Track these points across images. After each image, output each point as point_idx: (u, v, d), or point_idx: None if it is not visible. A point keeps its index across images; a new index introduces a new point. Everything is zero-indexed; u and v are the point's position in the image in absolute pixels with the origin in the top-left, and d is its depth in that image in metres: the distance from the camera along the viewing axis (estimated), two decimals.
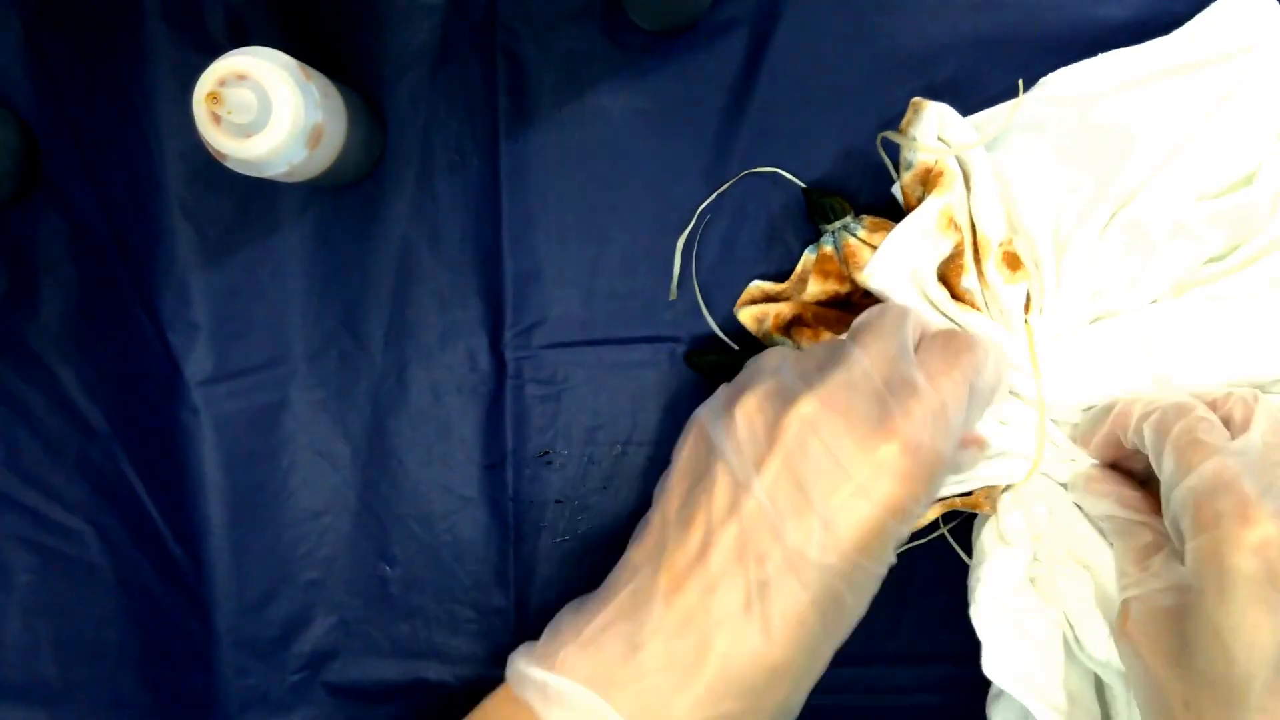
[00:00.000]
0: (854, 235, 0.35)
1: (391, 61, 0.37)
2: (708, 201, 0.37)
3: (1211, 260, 0.34)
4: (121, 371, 0.39)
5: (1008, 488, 0.35)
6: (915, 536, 0.38)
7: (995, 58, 0.36)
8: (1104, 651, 0.33)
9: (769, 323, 0.36)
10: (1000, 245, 0.33)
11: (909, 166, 0.34)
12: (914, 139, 0.33)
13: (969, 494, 0.35)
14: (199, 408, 0.38)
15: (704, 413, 0.30)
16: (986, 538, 0.36)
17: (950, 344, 0.29)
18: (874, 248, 0.34)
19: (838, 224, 0.35)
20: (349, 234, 0.38)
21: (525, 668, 0.28)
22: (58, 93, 0.38)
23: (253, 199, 0.38)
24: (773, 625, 0.26)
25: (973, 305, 0.33)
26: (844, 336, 0.30)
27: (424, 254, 0.38)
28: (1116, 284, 0.33)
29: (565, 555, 0.39)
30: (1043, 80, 0.35)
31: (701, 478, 0.28)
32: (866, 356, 0.28)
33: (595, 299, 0.38)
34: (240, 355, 0.38)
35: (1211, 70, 0.33)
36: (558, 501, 0.39)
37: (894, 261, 0.32)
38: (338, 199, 0.38)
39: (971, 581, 0.36)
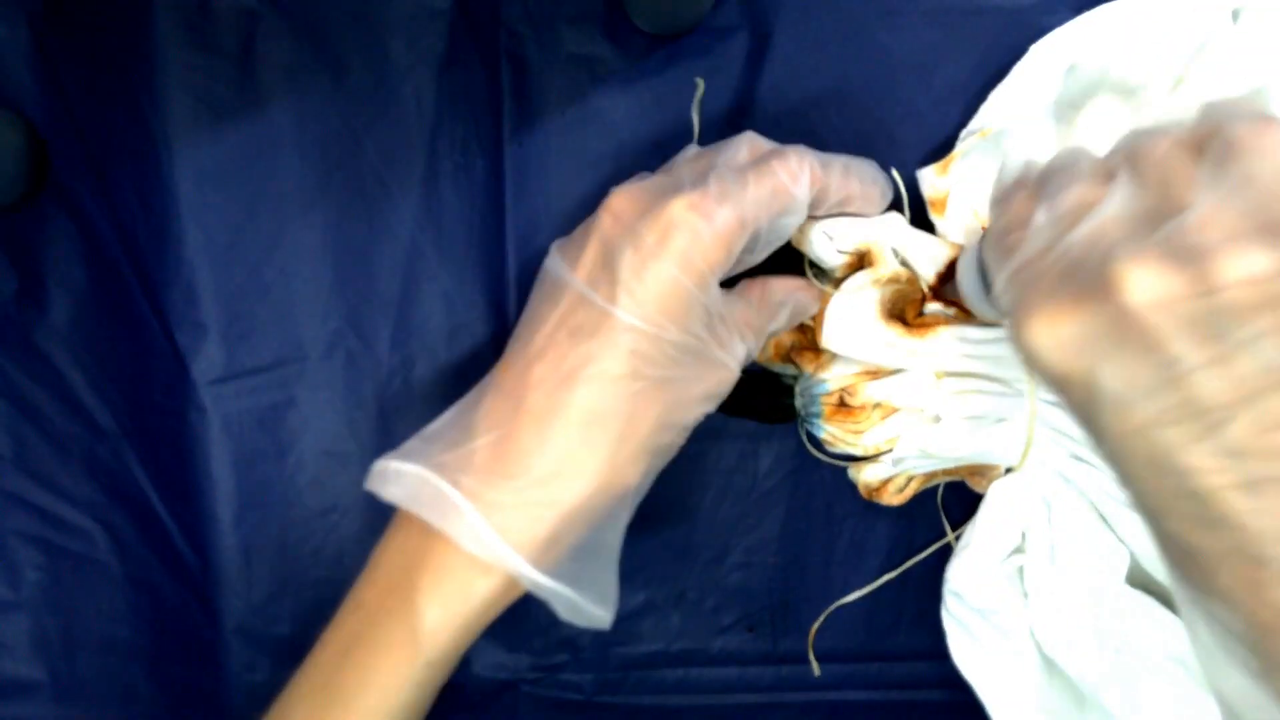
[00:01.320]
0: (834, 274, 0.36)
1: (397, 65, 0.38)
2: None
3: None
4: (129, 371, 0.39)
5: (1008, 471, 0.36)
6: (924, 544, 0.38)
7: (991, 61, 0.37)
8: (1079, 665, 0.34)
9: (770, 351, 0.37)
10: (950, 263, 0.34)
11: (834, 270, 0.35)
12: (813, 253, 0.35)
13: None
14: (207, 407, 0.38)
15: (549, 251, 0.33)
16: (966, 533, 0.36)
17: (766, 157, 0.31)
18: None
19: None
20: (356, 236, 0.38)
21: (375, 464, 0.30)
22: (65, 95, 0.38)
23: (260, 200, 0.38)
24: (582, 384, 0.28)
25: (940, 323, 0.34)
26: None
27: (430, 255, 0.38)
28: None
29: None
30: (1033, 49, 0.35)
31: (537, 296, 0.32)
32: (687, 166, 0.31)
33: None
34: (248, 355, 0.38)
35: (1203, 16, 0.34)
36: None
37: (841, 329, 0.34)
38: (346, 201, 0.38)
39: (947, 571, 0.36)
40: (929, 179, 0.35)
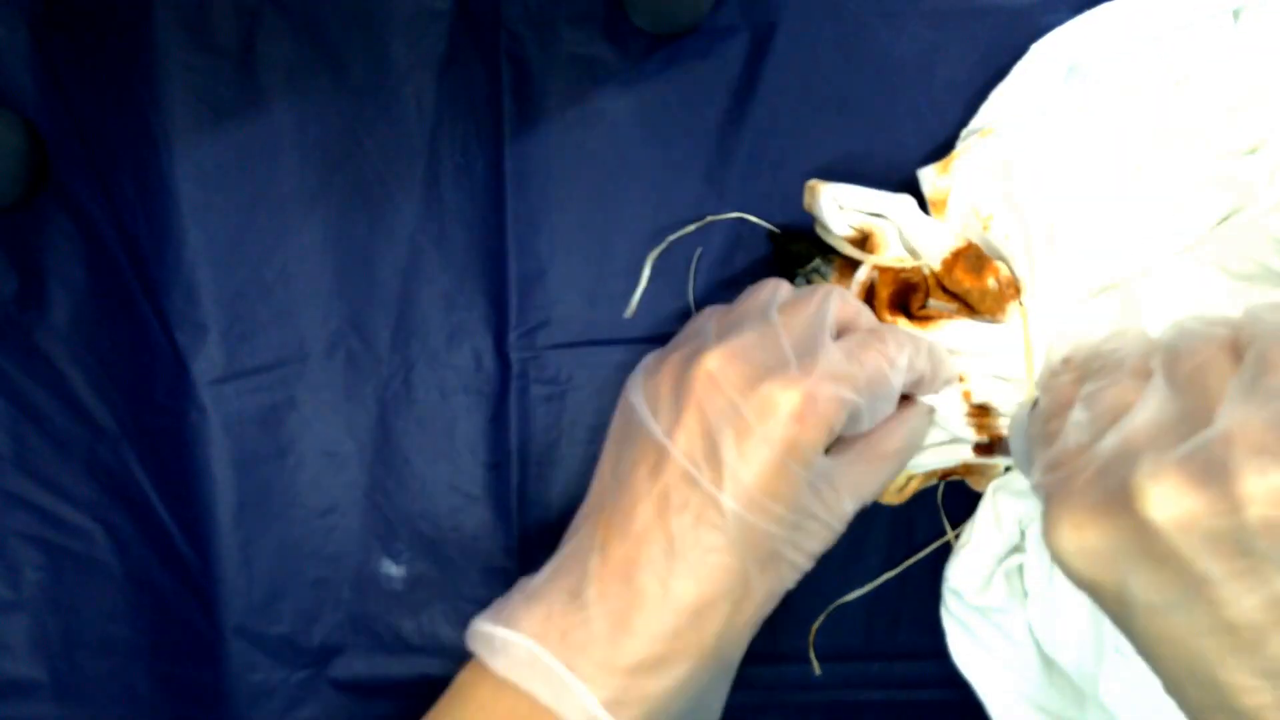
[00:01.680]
0: (824, 279, 0.36)
1: (399, 66, 0.38)
2: (682, 233, 0.38)
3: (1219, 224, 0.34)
4: (130, 371, 0.39)
5: (1008, 470, 0.36)
6: (924, 543, 0.38)
7: (991, 62, 0.37)
8: (1078, 664, 0.34)
9: None
10: (951, 251, 0.34)
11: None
12: (821, 218, 0.35)
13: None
14: (207, 407, 0.38)
15: (629, 380, 0.32)
16: (965, 532, 0.36)
17: (870, 332, 0.31)
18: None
19: (808, 268, 0.36)
20: (356, 236, 0.38)
21: (477, 624, 0.30)
22: (66, 95, 0.38)
23: (261, 200, 0.38)
24: (692, 570, 0.28)
25: (943, 316, 0.34)
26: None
27: (431, 256, 0.38)
28: (1131, 242, 0.34)
29: None
30: (1033, 48, 0.35)
31: (627, 445, 0.30)
32: (783, 320, 0.30)
33: (599, 300, 0.38)
34: (248, 355, 0.39)
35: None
36: (562, 500, 0.39)
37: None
38: (346, 201, 0.38)
39: (946, 570, 0.36)
40: (929, 179, 0.35)
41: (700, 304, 0.38)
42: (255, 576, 0.39)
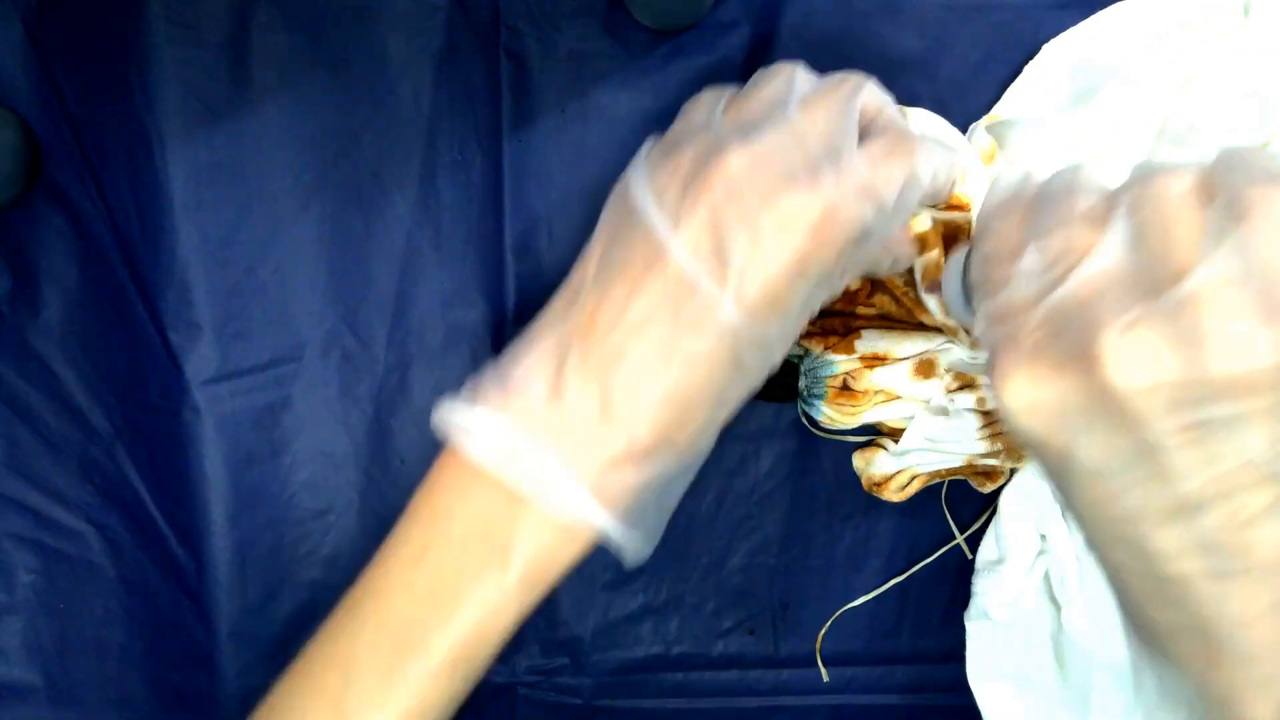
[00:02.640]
0: None
1: (395, 61, 0.37)
2: None
3: None
4: (123, 372, 0.39)
5: (1013, 472, 0.36)
6: (926, 545, 0.38)
7: (994, 59, 0.36)
8: (1106, 653, 0.34)
9: None
10: None
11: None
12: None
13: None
14: (201, 408, 0.38)
15: (629, 170, 0.29)
16: (987, 545, 0.36)
17: (896, 139, 0.28)
18: None
19: None
20: (352, 234, 0.38)
21: (450, 410, 0.29)
22: (59, 92, 0.38)
23: (255, 198, 0.38)
24: (681, 369, 0.27)
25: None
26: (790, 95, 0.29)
27: (428, 254, 0.38)
28: None
29: None
30: (1044, 49, 0.35)
31: (620, 236, 0.28)
32: (807, 120, 0.28)
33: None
34: (242, 355, 0.38)
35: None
36: None
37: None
38: (342, 198, 0.38)
39: (973, 588, 0.36)
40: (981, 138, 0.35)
41: None
42: (249, 579, 0.39)
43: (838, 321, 0.36)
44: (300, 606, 0.39)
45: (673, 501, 0.30)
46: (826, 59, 0.37)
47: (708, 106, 0.30)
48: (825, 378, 0.35)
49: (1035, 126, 0.34)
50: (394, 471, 0.39)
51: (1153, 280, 0.21)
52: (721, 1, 0.37)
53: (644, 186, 0.28)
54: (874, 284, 0.36)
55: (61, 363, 0.39)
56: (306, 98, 0.37)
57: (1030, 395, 0.23)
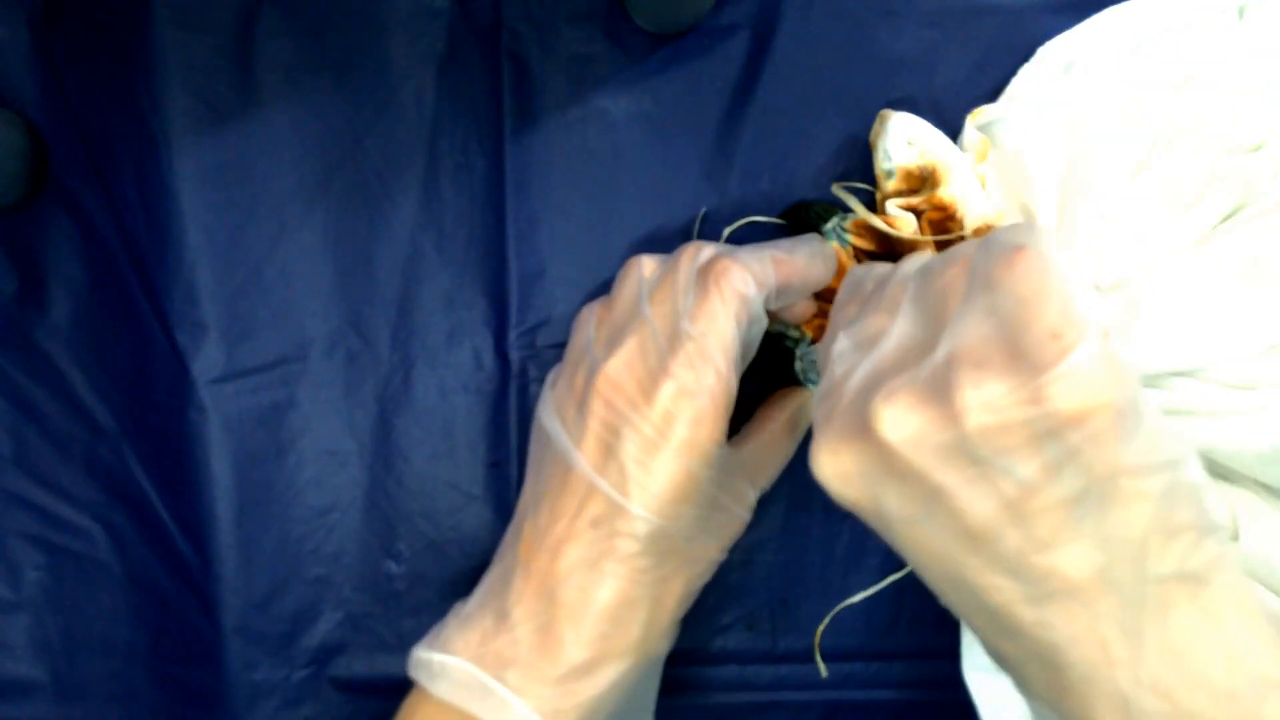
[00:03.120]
0: (846, 233, 0.35)
1: (398, 64, 0.38)
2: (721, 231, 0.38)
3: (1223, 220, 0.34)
4: (130, 371, 0.39)
5: None
6: None
7: (991, 62, 0.37)
8: None
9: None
10: (985, 223, 0.34)
11: (889, 175, 0.35)
12: (887, 147, 0.35)
13: None
14: (207, 407, 0.38)
15: (539, 401, 0.33)
16: None
17: (703, 279, 0.31)
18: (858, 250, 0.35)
19: (829, 225, 0.36)
20: (356, 235, 0.38)
21: (415, 652, 0.31)
22: (65, 94, 0.38)
23: (260, 199, 0.38)
24: (609, 576, 0.30)
25: None
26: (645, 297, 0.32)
27: (430, 255, 0.38)
28: (1135, 240, 0.34)
29: None
30: (1040, 51, 0.36)
31: (543, 462, 0.32)
32: (656, 311, 0.31)
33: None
34: (248, 355, 0.38)
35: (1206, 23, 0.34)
36: None
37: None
38: (346, 200, 0.38)
39: None
40: (970, 134, 0.35)
41: None
42: (255, 575, 0.39)
43: None
44: (305, 603, 0.39)
45: (647, 703, 0.33)
46: (824, 62, 0.37)
47: (586, 322, 0.33)
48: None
49: (1028, 124, 0.35)
50: (398, 469, 0.39)
51: (922, 353, 0.24)
52: (721, 6, 0.37)
53: (551, 413, 0.32)
54: None
55: (68, 362, 0.39)
56: (311, 100, 0.38)
57: (833, 465, 0.25)
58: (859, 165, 0.37)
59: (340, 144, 0.38)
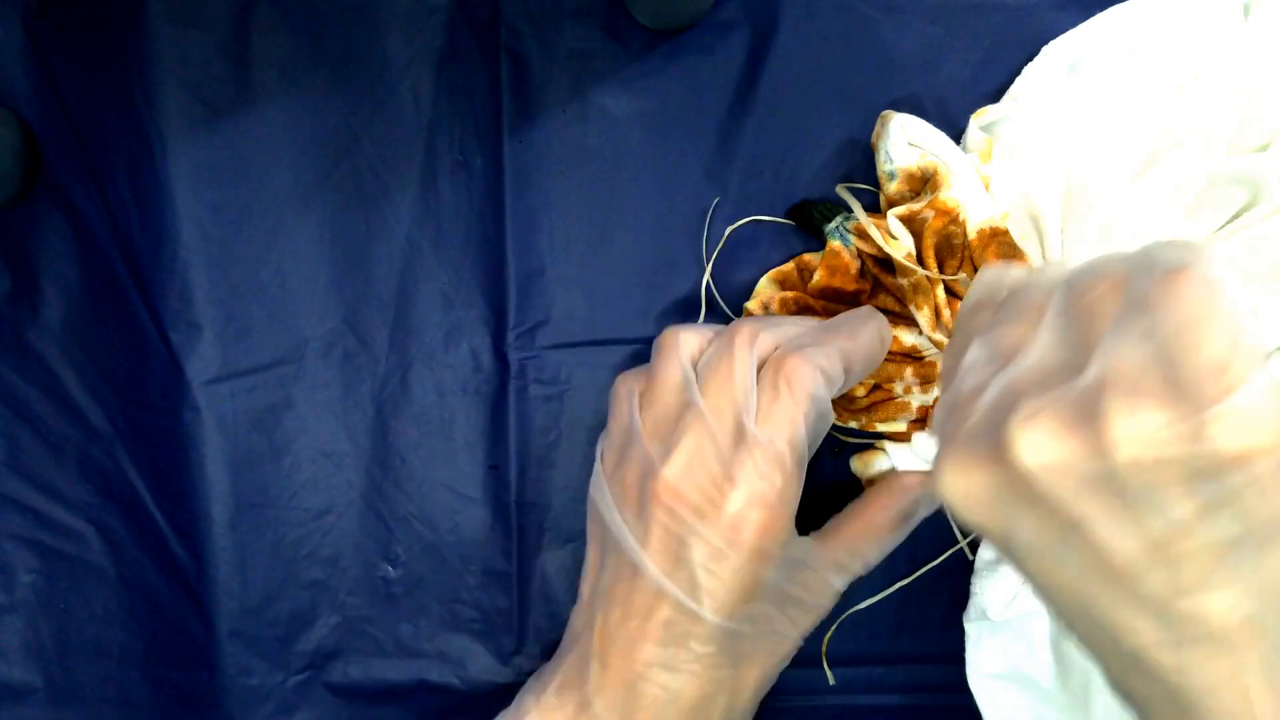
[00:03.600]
0: (848, 232, 0.35)
1: (396, 61, 0.37)
2: (715, 253, 0.38)
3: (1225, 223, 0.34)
4: (123, 372, 0.39)
5: None
6: (928, 545, 0.38)
7: (995, 59, 0.36)
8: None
9: (774, 308, 0.36)
10: (990, 225, 0.33)
11: (891, 177, 0.34)
12: (888, 148, 0.34)
13: None
14: (201, 408, 0.38)
15: (593, 484, 0.33)
16: (986, 546, 0.36)
17: (771, 379, 0.31)
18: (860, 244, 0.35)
19: (833, 225, 0.35)
20: (353, 234, 0.38)
21: None
22: (59, 92, 0.38)
23: (256, 198, 0.38)
24: (685, 675, 0.31)
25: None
26: (694, 380, 0.32)
27: (428, 254, 0.38)
28: (1142, 240, 0.33)
29: (568, 555, 0.39)
30: (1045, 50, 0.35)
31: (608, 553, 0.32)
32: (712, 409, 0.30)
33: (598, 299, 0.38)
34: (243, 355, 0.38)
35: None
36: (560, 501, 0.39)
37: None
38: (343, 199, 0.38)
39: (972, 588, 0.36)
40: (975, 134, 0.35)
41: (710, 301, 0.38)
42: (250, 579, 0.39)
43: (844, 309, 0.36)
44: (300, 607, 0.39)
45: None
46: (826, 59, 0.37)
47: (625, 398, 0.33)
48: None
49: (1032, 123, 0.34)
50: (395, 472, 0.39)
51: (1072, 369, 0.22)
52: (721, 2, 0.37)
53: (609, 504, 0.32)
54: (875, 283, 0.36)
55: (62, 363, 0.39)
56: (307, 98, 0.37)
57: (960, 486, 0.23)
58: (862, 164, 0.37)
59: (337, 142, 0.38)
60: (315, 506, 0.39)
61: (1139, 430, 0.20)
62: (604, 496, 0.32)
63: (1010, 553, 0.24)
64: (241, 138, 0.38)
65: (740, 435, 0.30)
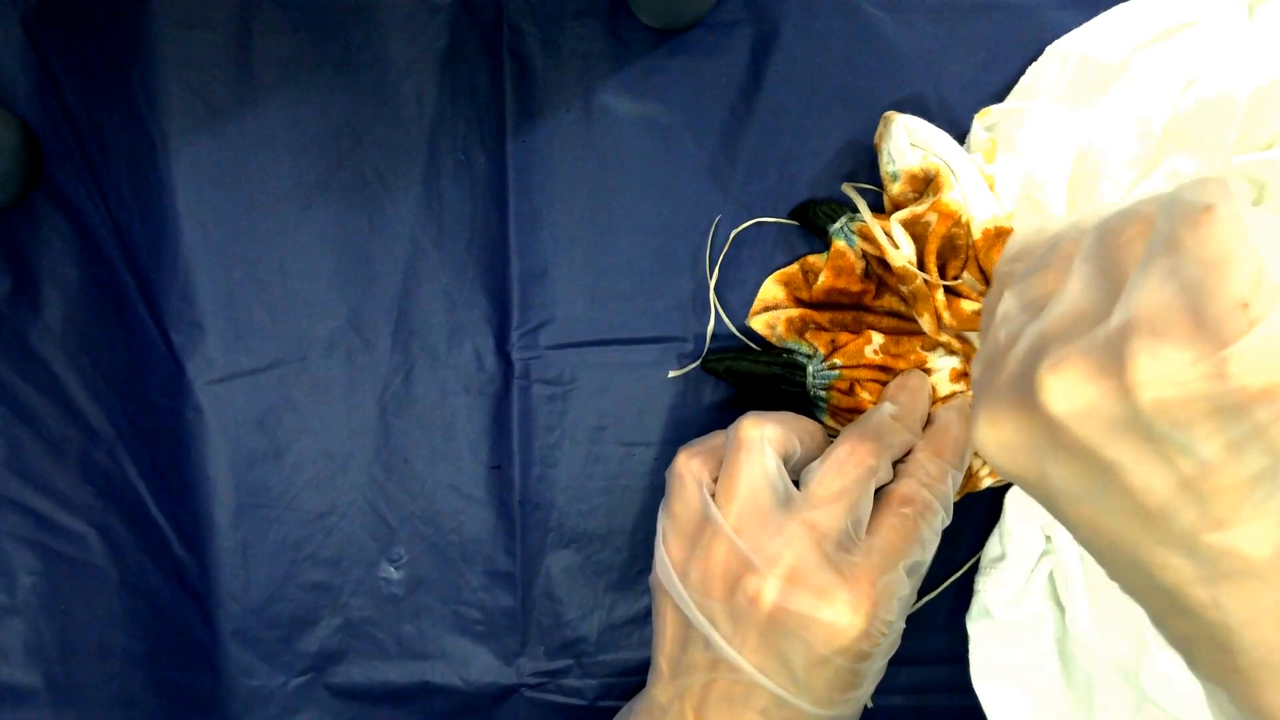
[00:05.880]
0: (851, 231, 0.35)
1: (399, 61, 0.37)
2: (721, 255, 0.37)
3: None
4: (125, 372, 0.39)
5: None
6: (940, 558, 0.38)
7: (998, 58, 0.36)
8: (1110, 653, 0.34)
9: (780, 328, 0.36)
10: (995, 225, 0.33)
11: (894, 178, 0.34)
12: (891, 148, 0.34)
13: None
14: (203, 408, 0.38)
15: (659, 566, 0.32)
16: (991, 543, 0.36)
17: (887, 502, 0.32)
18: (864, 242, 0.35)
19: (837, 225, 0.35)
20: (356, 234, 0.38)
21: None
22: (60, 92, 0.38)
23: (258, 198, 0.38)
24: None
25: (969, 296, 0.34)
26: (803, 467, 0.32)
27: (431, 254, 0.38)
28: None
29: (571, 555, 0.39)
30: (1049, 49, 0.35)
31: (690, 641, 0.32)
32: (824, 518, 0.30)
33: (602, 299, 0.38)
34: (245, 355, 0.38)
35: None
36: (564, 501, 0.39)
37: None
38: (345, 199, 0.38)
39: (975, 586, 0.36)
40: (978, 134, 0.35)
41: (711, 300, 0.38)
42: (252, 580, 0.39)
43: (849, 316, 0.36)
44: (302, 608, 0.39)
45: None
46: (830, 58, 0.37)
47: (696, 487, 0.32)
48: (832, 380, 0.35)
49: (1036, 122, 0.34)
50: (397, 472, 0.39)
51: (1100, 314, 0.22)
52: (724, 2, 0.37)
53: (686, 601, 0.31)
54: (880, 284, 0.36)
55: (63, 364, 0.39)
56: (310, 98, 0.37)
57: (995, 436, 0.24)
58: (866, 163, 0.37)
59: (340, 142, 0.38)
60: (317, 507, 0.39)
61: (1162, 370, 0.20)
62: (676, 587, 0.32)
63: (1047, 501, 0.24)
64: (243, 138, 0.37)
65: (848, 541, 0.30)
